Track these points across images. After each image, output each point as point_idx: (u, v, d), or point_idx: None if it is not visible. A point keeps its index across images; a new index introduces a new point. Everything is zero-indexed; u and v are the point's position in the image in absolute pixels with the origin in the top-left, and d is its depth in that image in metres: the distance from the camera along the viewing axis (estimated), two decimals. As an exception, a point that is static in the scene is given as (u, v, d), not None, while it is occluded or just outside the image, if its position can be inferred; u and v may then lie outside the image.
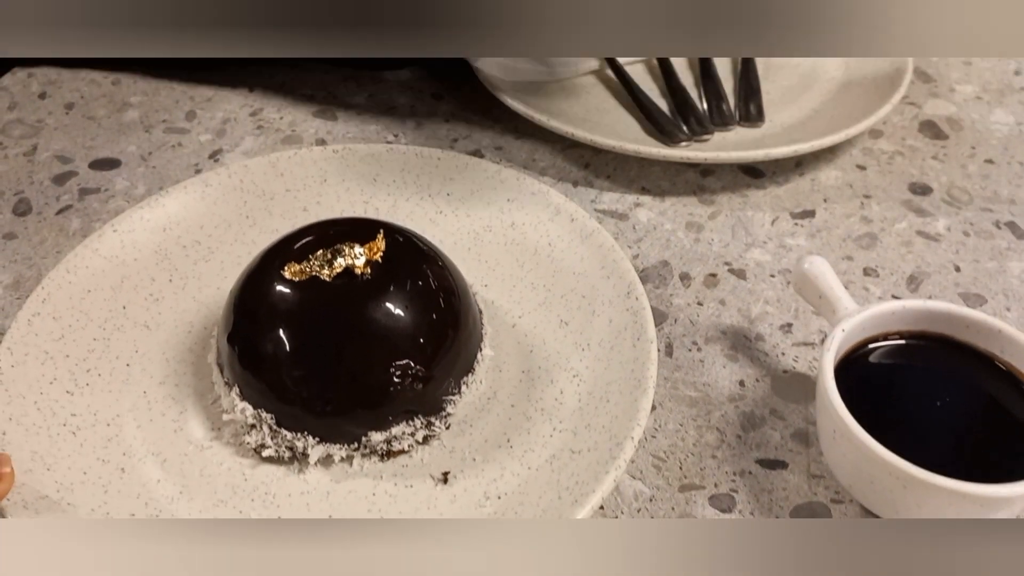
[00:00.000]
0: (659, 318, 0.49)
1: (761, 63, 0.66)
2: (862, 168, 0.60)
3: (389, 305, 0.41)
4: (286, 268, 0.42)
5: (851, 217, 0.56)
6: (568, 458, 0.41)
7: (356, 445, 0.41)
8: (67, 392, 0.44)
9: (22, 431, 0.42)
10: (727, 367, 0.47)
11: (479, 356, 0.45)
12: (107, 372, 0.46)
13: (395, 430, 0.41)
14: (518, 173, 0.54)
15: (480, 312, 0.47)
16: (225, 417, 0.43)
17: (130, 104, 0.66)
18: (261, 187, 0.55)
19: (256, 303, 0.42)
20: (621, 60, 0.66)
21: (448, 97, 0.66)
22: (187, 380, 0.46)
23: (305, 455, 0.41)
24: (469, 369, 0.44)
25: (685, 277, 0.52)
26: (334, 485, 0.41)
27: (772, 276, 0.52)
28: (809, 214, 0.56)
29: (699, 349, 0.48)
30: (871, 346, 0.42)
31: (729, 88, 0.64)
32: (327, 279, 0.41)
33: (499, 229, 0.53)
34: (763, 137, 0.60)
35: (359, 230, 0.44)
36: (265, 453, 0.41)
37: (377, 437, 0.41)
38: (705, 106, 0.62)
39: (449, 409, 0.43)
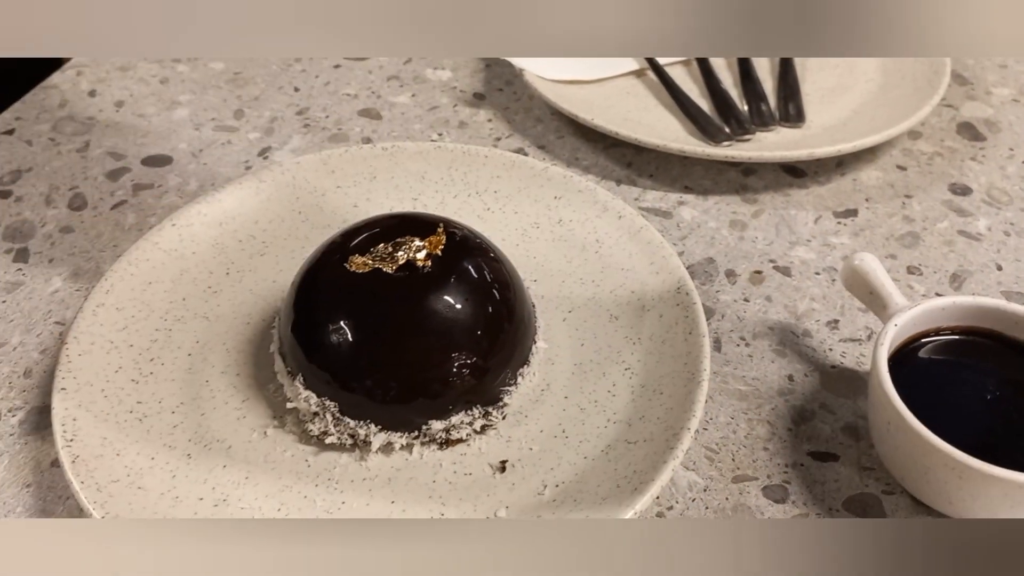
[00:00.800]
0: (706, 314, 0.50)
1: (799, 65, 0.67)
2: (902, 168, 0.61)
3: (450, 298, 0.42)
4: (349, 260, 0.43)
5: (893, 216, 0.57)
6: (624, 448, 0.42)
7: (416, 433, 0.42)
8: (132, 380, 0.45)
9: (91, 417, 0.43)
10: (775, 362, 0.48)
11: (534, 348, 0.46)
12: (170, 362, 0.47)
13: (454, 419, 0.42)
14: (564, 171, 0.55)
15: (533, 306, 0.48)
16: (288, 405, 0.44)
17: (179, 103, 0.67)
18: (312, 184, 0.56)
19: (321, 293, 0.43)
20: (661, 61, 0.67)
21: (490, 97, 0.68)
22: (248, 370, 0.47)
23: (367, 443, 0.42)
24: (525, 361, 0.45)
25: (731, 274, 0.53)
26: (395, 472, 0.42)
27: (817, 273, 0.53)
28: (851, 213, 0.57)
29: (747, 344, 0.49)
30: (922, 341, 0.43)
31: (768, 89, 0.65)
32: (390, 272, 0.42)
33: (546, 226, 0.54)
34: (804, 137, 0.61)
35: (418, 225, 0.45)
36: (328, 440, 0.42)
37: (437, 426, 0.42)
38: (745, 107, 0.63)
39: (506, 400, 0.44)
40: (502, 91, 0.68)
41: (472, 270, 0.44)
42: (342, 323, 0.42)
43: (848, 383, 0.47)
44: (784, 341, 0.49)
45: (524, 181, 0.56)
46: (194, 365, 0.47)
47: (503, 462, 0.43)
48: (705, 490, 0.42)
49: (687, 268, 0.53)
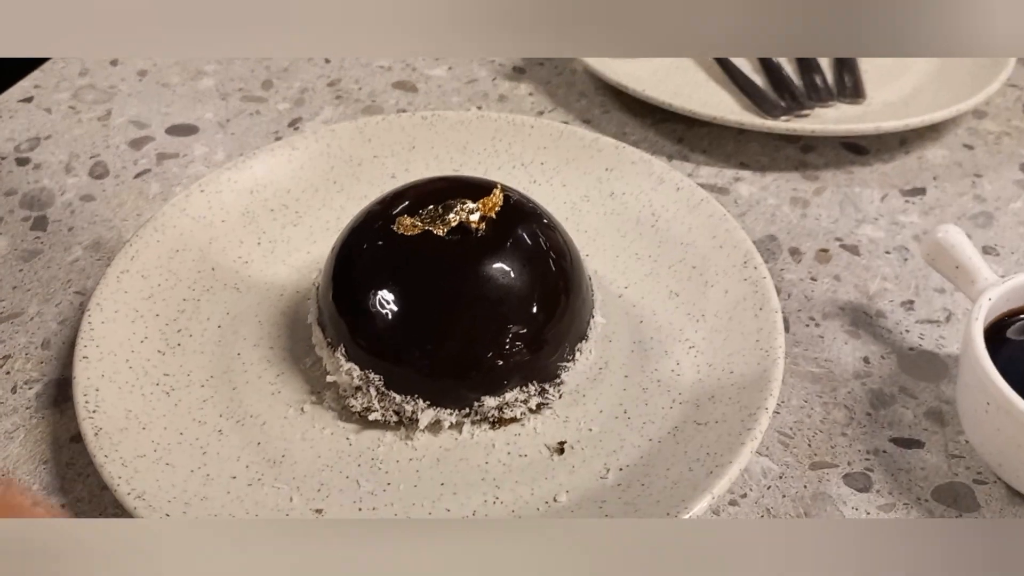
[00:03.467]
0: (771, 292, 0.47)
1: (855, 42, 0.64)
2: (969, 147, 0.57)
3: (506, 264, 0.39)
4: (397, 222, 0.39)
5: (964, 195, 0.53)
6: (693, 430, 0.39)
7: (467, 411, 0.39)
8: (159, 352, 0.42)
9: (115, 388, 0.40)
10: (849, 343, 0.44)
11: (592, 322, 0.42)
12: (198, 333, 0.43)
13: (508, 396, 0.39)
14: (616, 142, 0.52)
15: (590, 278, 0.44)
16: (328, 379, 0.40)
17: (204, 72, 0.64)
18: (348, 152, 0.53)
19: (366, 258, 0.40)
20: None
21: (530, 70, 0.64)
22: (282, 343, 0.43)
23: (413, 420, 0.39)
24: (583, 335, 0.42)
25: (795, 252, 0.50)
26: (444, 452, 0.39)
27: (888, 252, 0.49)
28: (920, 191, 0.54)
29: (817, 325, 0.45)
30: (1015, 319, 0.40)
31: (824, 63, 0.62)
32: (441, 235, 0.39)
33: (597, 199, 0.51)
34: (865, 114, 0.57)
35: (470, 188, 0.41)
36: (371, 417, 0.39)
37: (490, 403, 0.39)
38: (801, 81, 0.60)
39: (563, 376, 0.40)
40: (543, 64, 0.65)
41: (528, 236, 0.40)
42: (389, 289, 0.39)
43: (929, 366, 0.43)
44: (857, 322, 0.46)
45: (573, 152, 0.52)
46: (224, 337, 0.44)
47: (561, 443, 0.39)
48: (781, 477, 0.39)
49: (748, 245, 0.50)
